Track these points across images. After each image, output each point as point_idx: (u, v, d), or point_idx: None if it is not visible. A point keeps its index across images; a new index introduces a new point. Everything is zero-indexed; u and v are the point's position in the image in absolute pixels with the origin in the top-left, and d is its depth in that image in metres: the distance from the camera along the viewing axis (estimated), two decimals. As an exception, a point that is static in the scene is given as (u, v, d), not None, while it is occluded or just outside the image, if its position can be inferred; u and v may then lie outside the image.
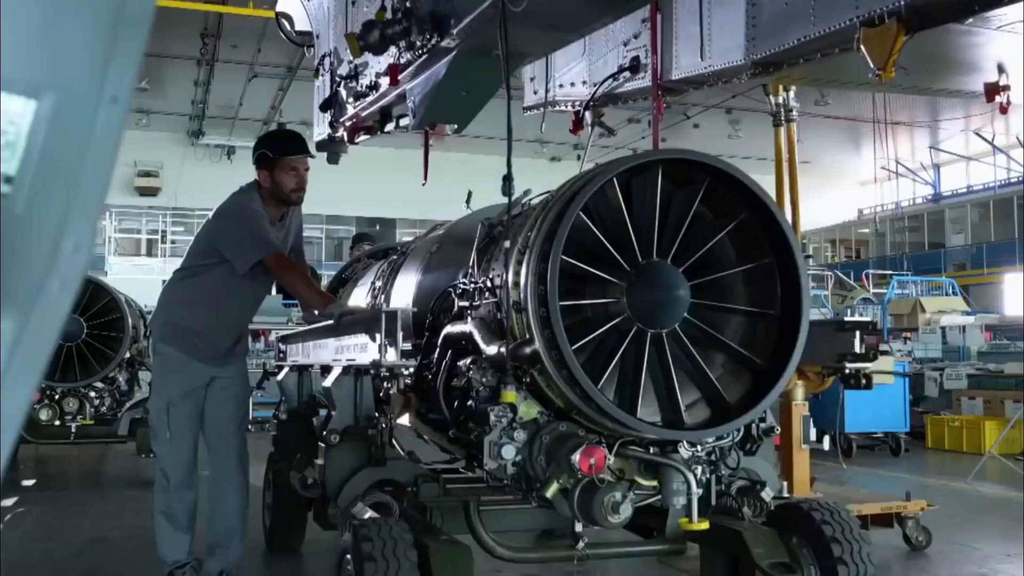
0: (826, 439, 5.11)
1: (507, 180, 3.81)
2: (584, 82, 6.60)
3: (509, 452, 3.46)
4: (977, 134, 28.86)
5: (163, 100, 27.15)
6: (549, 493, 3.43)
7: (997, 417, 13.28)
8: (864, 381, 3.97)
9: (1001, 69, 5.02)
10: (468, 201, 4.96)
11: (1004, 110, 5.13)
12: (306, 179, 5.26)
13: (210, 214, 5.35)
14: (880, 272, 27.67)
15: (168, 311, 5.37)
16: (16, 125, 0.95)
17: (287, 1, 7.60)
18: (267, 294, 5.63)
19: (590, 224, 3.46)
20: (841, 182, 35.46)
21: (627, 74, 6.15)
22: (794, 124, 7.17)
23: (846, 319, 5.18)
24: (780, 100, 7.08)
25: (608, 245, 3.46)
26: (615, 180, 3.48)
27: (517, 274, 3.47)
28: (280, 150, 5.21)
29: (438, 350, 4.06)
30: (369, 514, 3.87)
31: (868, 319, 4.63)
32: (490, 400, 3.57)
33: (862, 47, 4.02)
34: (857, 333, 4.00)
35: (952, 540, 7.11)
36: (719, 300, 3.64)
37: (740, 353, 3.63)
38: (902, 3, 3.86)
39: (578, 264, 3.43)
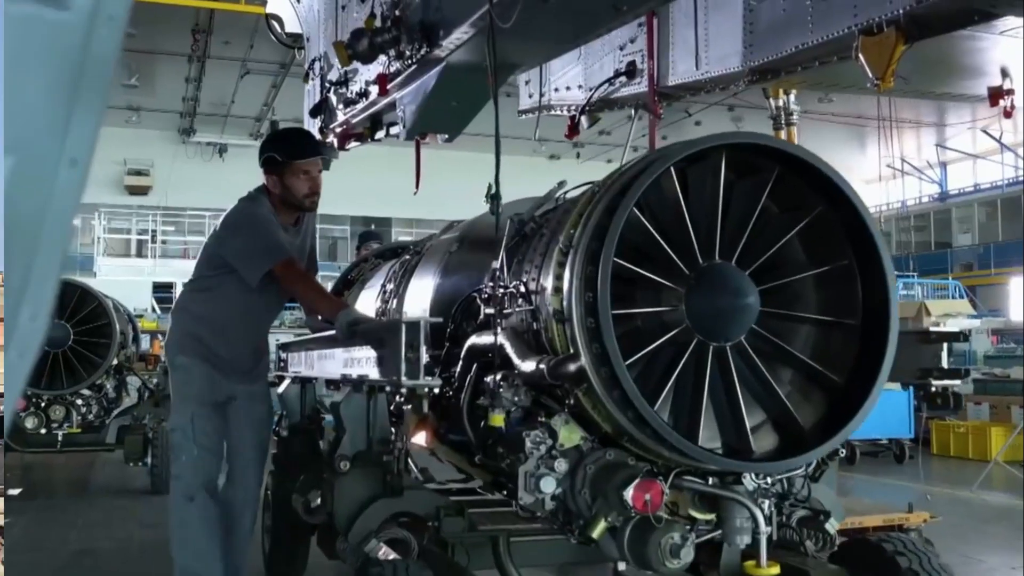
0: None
1: (495, 199, 3.42)
2: (580, 86, 6.41)
3: (549, 485, 3.00)
4: (984, 131, 28.42)
5: (153, 97, 26.59)
6: (595, 532, 2.97)
7: (1003, 423, 13.20)
8: (953, 401, 3.53)
9: (1005, 73, 4.89)
10: (487, 196, 4.49)
11: (1008, 114, 5.01)
12: (320, 182, 4.79)
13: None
14: (885, 272, 27.22)
15: (184, 323, 4.93)
16: (-26, 190, 0.95)
17: (278, 2, 7.39)
18: (284, 303, 5.22)
19: (643, 220, 2.99)
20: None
21: (623, 79, 5.96)
22: (794, 128, 7.09)
23: (932, 329, 4.74)
24: (780, 103, 7.11)
25: (664, 244, 2.99)
26: (672, 170, 3.01)
27: (559, 278, 3.00)
28: (290, 153, 4.72)
29: (461, 363, 3.58)
30: (384, 551, 3.39)
31: (957, 329, 4.19)
32: (524, 422, 3.11)
33: (860, 56, 3.89)
34: (945, 346, 3.54)
35: (956, 552, 6.85)
36: (788, 307, 3.17)
37: (812, 368, 3.17)
38: (901, 12, 3.71)
39: (629, 266, 2.96)
